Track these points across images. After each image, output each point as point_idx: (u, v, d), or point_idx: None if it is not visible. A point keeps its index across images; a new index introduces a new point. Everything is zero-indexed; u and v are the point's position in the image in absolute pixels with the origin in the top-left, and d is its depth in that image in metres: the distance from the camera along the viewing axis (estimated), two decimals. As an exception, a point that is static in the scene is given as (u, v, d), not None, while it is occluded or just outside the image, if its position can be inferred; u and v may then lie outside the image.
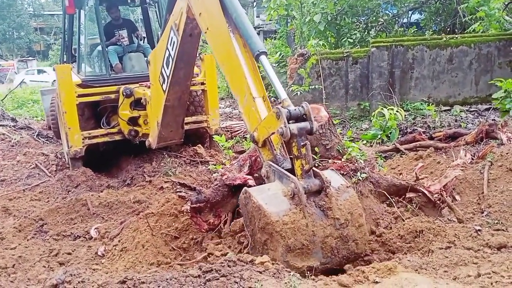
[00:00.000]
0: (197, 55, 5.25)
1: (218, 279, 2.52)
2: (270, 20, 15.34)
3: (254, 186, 3.43)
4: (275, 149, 3.22)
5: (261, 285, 2.45)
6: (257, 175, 3.75)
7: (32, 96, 17.85)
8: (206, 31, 3.95)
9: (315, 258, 2.89)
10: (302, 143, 2.95)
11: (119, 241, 4.01)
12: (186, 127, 6.77)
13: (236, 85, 3.64)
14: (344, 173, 3.85)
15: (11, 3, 50.74)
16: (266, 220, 2.85)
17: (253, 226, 3.04)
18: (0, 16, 49.43)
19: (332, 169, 3.36)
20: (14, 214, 5.13)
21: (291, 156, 3.09)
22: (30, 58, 43.24)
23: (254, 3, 30.55)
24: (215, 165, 6.18)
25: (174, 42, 4.63)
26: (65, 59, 8.19)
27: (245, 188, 3.15)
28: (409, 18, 15.29)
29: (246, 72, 3.47)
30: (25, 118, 12.49)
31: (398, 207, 3.98)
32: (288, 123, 2.94)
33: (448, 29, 13.18)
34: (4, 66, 37.26)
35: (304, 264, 2.85)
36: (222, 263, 2.70)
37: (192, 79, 6.78)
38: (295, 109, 3.01)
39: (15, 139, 8.90)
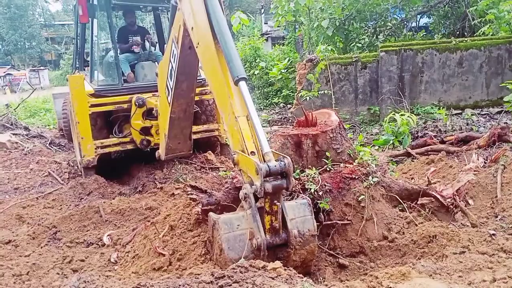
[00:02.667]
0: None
1: (231, 285, 2.51)
2: (278, 27, 15.38)
3: None
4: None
5: (274, 291, 2.44)
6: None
7: (44, 105, 18.10)
8: (197, 46, 3.95)
9: None
10: (275, 202, 2.97)
11: (131, 247, 4.04)
12: (198, 135, 6.80)
13: (221, 103, 3.63)
14: (356, 177, 3.84)
15: (22, 13, 51.73)
16: (223, 262, 3.01)
17: (214, 249, 3.17)
18: (12, 27, 50.36)
19: (310, 204, 3.30)
20: (28, 222, 5.19)
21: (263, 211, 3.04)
22: (41, 67, 43.88)
23: (262, 10, 30.73)
24: (225, 171, 6.19)
25: (175, 54, 4.66)
26: (77, 65, 8.30)
27: (215, 217, 3.14)
28: (417, 22, 15.19)
29: (230, 91, 3.43)
30: (38, 127, 12.63)
31: (411, 212, 3.95)
32: (267, 179, 2.89)
33: (458, 33, 13.07)
34: (16, 76, 37.80)
35: None
36: (234, 269, 2.69)
37: (204, 88, 6.83)
38: (275, 166, 2.92)
39: (28, 147, 9.00)
